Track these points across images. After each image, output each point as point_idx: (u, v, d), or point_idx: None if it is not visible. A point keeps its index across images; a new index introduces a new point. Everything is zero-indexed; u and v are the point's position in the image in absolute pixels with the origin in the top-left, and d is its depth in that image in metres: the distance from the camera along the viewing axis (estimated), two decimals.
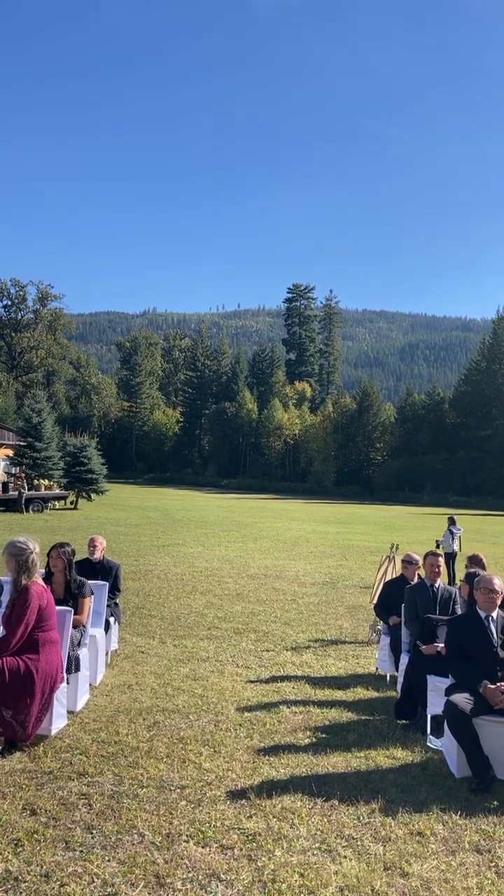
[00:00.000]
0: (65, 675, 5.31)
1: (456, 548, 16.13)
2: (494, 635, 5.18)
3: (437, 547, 15.59)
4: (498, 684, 4.92)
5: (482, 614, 5.26)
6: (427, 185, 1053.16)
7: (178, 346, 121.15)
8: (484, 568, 7.79)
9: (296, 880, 3.39)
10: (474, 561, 8.17)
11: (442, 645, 5.87)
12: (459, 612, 6.62)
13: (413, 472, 76.12)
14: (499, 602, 5.27)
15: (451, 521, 16.51)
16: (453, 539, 16.11)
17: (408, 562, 7.66)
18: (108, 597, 7.45)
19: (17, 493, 31.73)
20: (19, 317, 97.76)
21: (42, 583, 5.20)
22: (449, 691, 5.13)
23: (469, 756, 4.76)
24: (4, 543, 5.36)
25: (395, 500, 69.11)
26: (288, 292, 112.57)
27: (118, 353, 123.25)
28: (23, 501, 31.18)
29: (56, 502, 35.52)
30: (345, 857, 3.65)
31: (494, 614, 5.27)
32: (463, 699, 4.86)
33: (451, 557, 15.86)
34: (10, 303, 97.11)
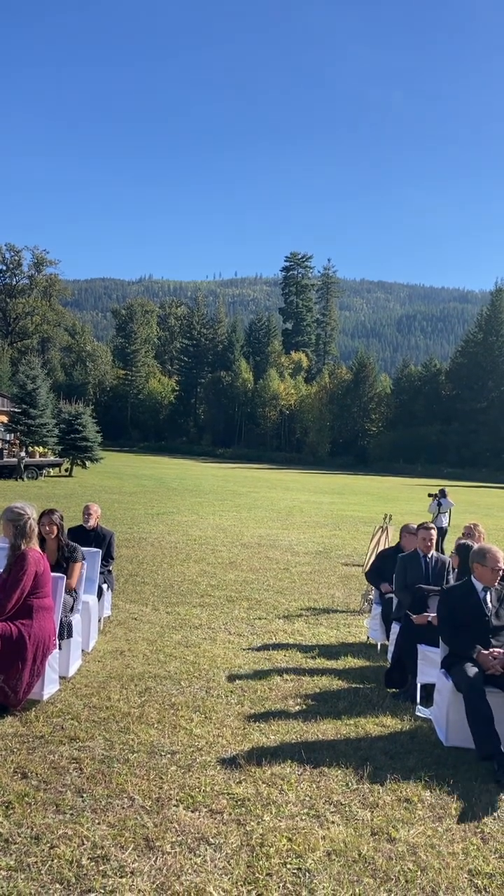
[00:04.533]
0: (57, 640, 5.32)
1: (444, 523, 15.02)
2: (488, 604, 5.16)
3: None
4: (490, 650, 4.92)
5: (478, 586, 5.22)
6: (426, 156, 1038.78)
7: (174, 313, 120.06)
8: (475, 540, 7.72)
9: (284, 844, 3.43)
10: (466, 533, 8.14)
11: (433, 615, 5.88)
12: (452, 582, 6.63)
13: (408, 444, 76.28)
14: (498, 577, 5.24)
15: (441, 494, 15.31)
16: (440, 511, 15.08)
17: (406, 531, 7.62)
18: (102, 564, 7.46)
19: (14, 459, 31.68)
20: (14, 282, 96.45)
21: (39, 549, 5.20)
22: (445, 662, 5.13)
23: (479, 736, 4.46)
24: (0, 510, 5.34)
25: (389, 471, 69.31)
26: (286, 261, 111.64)
27: (114, 321, 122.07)
28: (22, 468, 31.17)
29: (50, 470, 35.50)
30: (333, 822, 3.69)
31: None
32: (475, 671, 4.72)
33: (439, 534, 14.61)
34: (4, 268, 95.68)
